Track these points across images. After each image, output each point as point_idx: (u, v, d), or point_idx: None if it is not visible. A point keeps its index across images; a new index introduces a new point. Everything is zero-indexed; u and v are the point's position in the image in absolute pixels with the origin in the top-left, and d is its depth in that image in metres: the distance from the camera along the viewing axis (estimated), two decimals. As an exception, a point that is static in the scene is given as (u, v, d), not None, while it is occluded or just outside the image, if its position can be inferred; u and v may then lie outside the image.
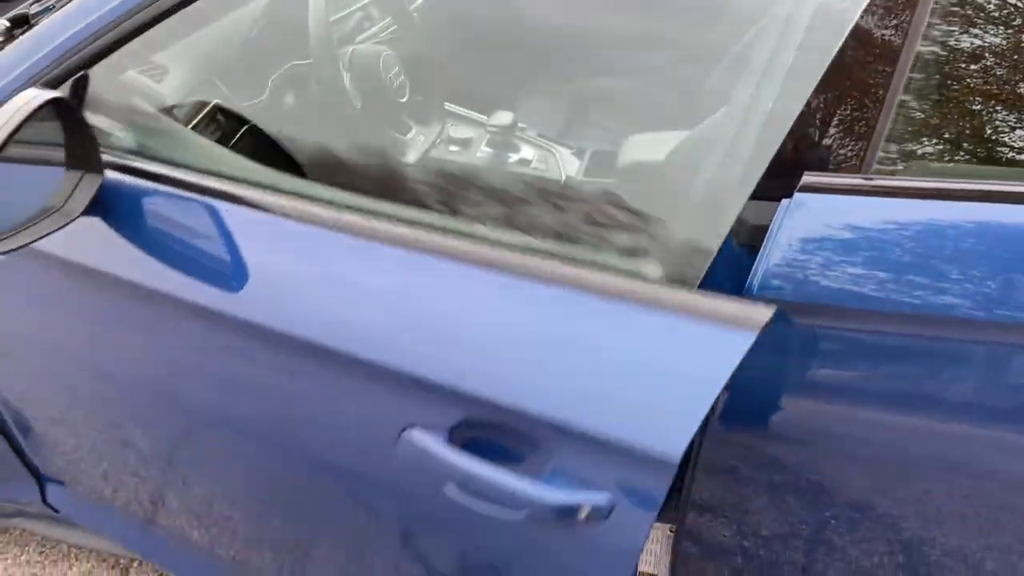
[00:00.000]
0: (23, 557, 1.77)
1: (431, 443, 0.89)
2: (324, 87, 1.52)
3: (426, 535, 1.03)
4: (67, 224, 1.02)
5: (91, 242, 1.07)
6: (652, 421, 0.79)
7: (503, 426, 0.86)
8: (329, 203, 1.00)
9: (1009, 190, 0.86)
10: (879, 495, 0.93)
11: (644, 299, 0.83)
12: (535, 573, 0.93)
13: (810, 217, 0.90)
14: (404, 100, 1.68)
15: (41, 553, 1.78)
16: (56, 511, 1.55)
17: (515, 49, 1.58)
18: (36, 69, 1.10)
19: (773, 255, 0.89)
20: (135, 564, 1.76)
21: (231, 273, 1.00)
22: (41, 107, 0.96)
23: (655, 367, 0.81)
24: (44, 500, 1.53)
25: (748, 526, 1.01)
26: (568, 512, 0.83)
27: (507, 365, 0.85)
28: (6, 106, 0.95)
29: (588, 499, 0.82)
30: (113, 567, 1.75)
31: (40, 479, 1.51)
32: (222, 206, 1.02)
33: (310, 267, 0.97)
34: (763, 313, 0.79)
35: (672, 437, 0.77)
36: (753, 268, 0.88)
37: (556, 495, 0.83)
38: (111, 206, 1.05)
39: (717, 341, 0.79)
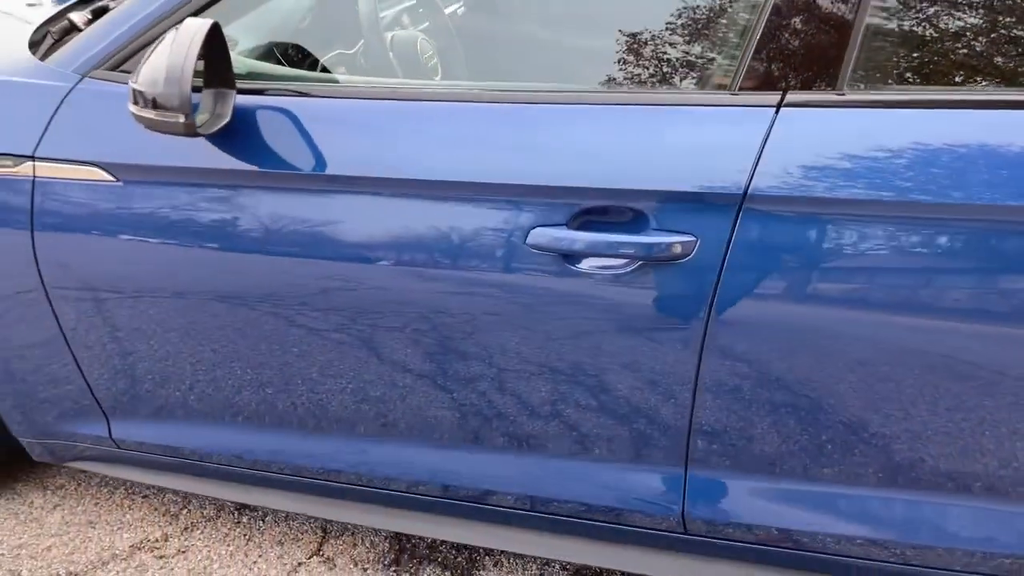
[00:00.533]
0: (79, 507, 1.89)
1: (555, 233, 1.21)
2: (372, 64, 1.73)
3: (553, 320, 1.30)
4: (221, 128, 1.27)
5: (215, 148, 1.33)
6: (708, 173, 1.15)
7: (606, 207, 1.20)
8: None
9: (951, 99, 1.13)
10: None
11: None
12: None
13: (795, 126, 1.13)
14: (437, 79, 1.89)
15: (96, 504, 1.90)
16: (119, 447, 1.68)
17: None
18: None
19: (769, 157, 1.11)
20: (184, 511, 1.88)
21: (358, 151, 1.32)
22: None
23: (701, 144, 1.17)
24: (110, 436, 1.67)
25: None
26: (665, 249, 1.18)
27: (603, 163, 1.20)
28: (178, 34, 1.17)
29: (677, 239, 1.18)
30: (164, 514, 1.87)
31: (107, 416, 1.65)
32: (321, 102, 1.36)
33: (431, 131, 1.29)
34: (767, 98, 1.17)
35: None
36: (751, 169, 1.10)
37: (656, 238, 1.17)
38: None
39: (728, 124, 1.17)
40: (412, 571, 1.73)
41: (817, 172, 1.13)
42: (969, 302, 1.14)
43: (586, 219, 1.22)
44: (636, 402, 1.33)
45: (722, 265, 1.19)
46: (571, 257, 1.23)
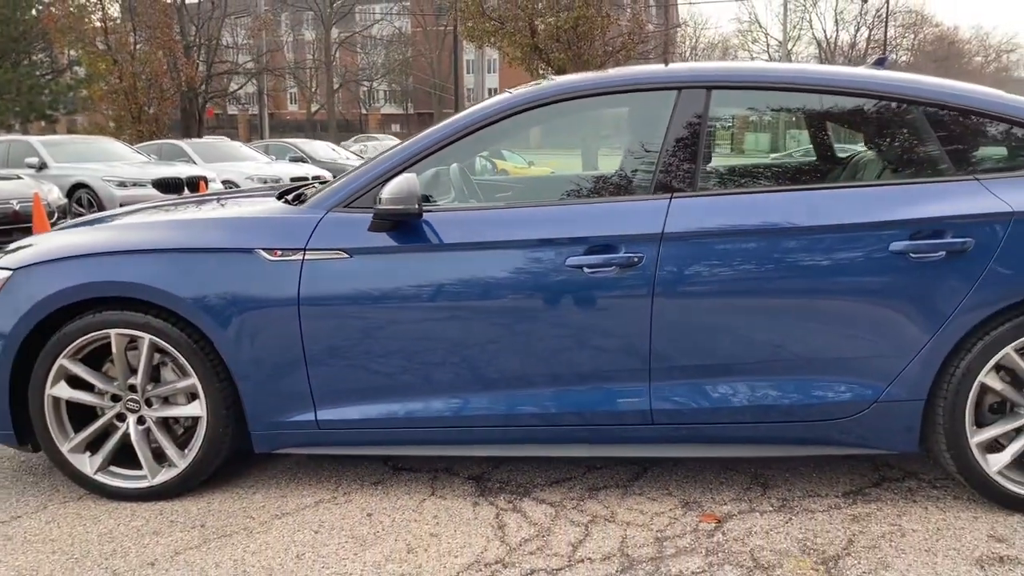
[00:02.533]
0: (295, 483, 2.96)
1: (579, 259, 2.58)
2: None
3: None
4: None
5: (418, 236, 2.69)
6: (645, 226, 2.48)
7: (600, 245, 2.51)
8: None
9: (737, 191, 2.68)
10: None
11: None
12: None
13: (678, 204, 2.65)
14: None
15: (316, 483, 2.97)
16: (319, 428, 2.83)
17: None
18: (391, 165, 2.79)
19: (669, 218, 2.61)
20: (338, 477, 2.97)
21: (477, 231, 2.66)
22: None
23: (642, 214, 2.52)
24: (316, 421, 2.83)
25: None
26: (628, 260, 2.44)
27: (596, 227, 2.54)
28: (402, 177, 2.62)
29: (635, 255, 2.50)
30: (323, 480, 2.96)
31: (315, 407, 2.83)
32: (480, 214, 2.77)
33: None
34: None
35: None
36: (663, 223, 2.60)
37: (624, 255, 2.46)
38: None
39: (653, 206, 2.53)
40: (493, 499, 2.88)
41: (688, 221, 2.64)
42: (770, 279, 2.62)
43: (592, 250, 2.66)
44: (619, 342, 2.68)
45: (656, 267, 2.63)
46: (586, 267, 2.65)
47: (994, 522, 2.65)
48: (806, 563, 2.44)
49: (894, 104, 2.85)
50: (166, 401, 2.91)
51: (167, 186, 11.96)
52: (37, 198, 10.03)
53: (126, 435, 2.90)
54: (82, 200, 11.64)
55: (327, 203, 2.85)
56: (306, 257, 2.76)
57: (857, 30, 56.59)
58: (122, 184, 11.67)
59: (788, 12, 52.19)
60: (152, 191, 11.79)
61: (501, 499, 2.88)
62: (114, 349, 2.82)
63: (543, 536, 2.62)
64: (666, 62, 3.61)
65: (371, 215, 2.73)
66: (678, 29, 34.94)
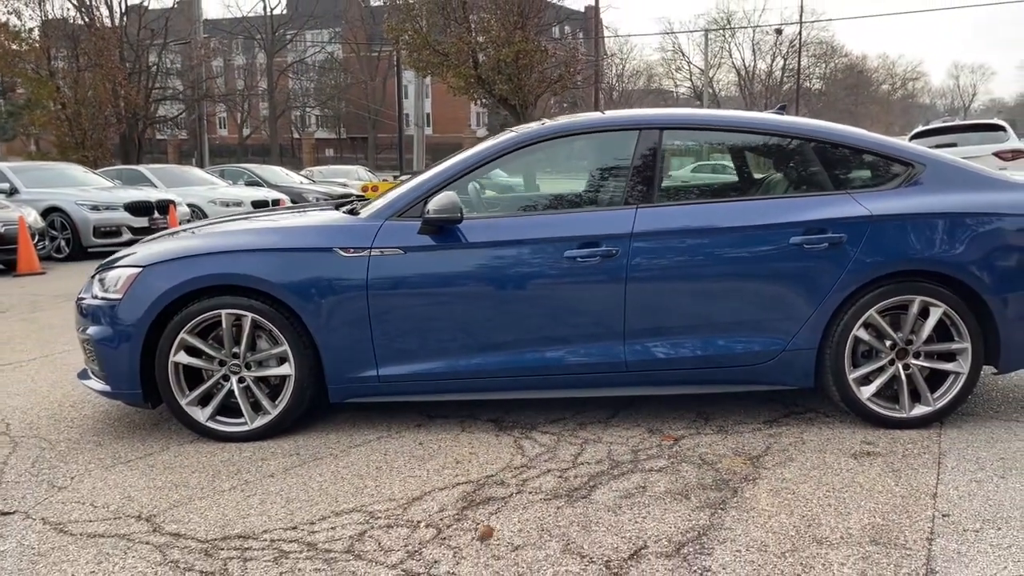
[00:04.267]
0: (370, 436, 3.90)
1: (573, 251, 3.62)
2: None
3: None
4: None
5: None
6: (619, 227, 3.57)
7: (589, 241, 3.59)
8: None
9: (684, 202, 3.80)
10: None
11: None
12: None
13: (642, 212, 3.73)
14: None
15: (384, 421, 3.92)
16: (379, 382, 3.79)
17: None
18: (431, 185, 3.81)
19: (636, 220, 3.69)
20: (383, 419, 3.93)
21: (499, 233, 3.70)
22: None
23: (617, 219, 3.61)
24: (377, 376, 3.79)
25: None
26: (608, 253, 3.51)
27: (584, 229, 3.61)
28: (445, 193, 3.64)
29: (613, 249, 3.58)
30: (367, 423, 3.92)
31: (377, 365, 3.79)
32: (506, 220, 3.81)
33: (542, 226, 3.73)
34: None
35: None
36: (632, 225, 3.69)
37: (605, 249, 3.53)
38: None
39: (624, 213, 3.61)
40: (509, 431, 3.88)
41: (649, 224, 3.72)
42: (708, 264, 3.71)
43: (582, 245, 3.71)
44: (602, 311, 3.73)
45: (627, 257, 3.70)
46: (578, 258, 3.70)
47: (866, 433, 3.78)
48: (737, 460, 3.51)
49: (791, 141, 4.01)
50: (260, 364, 3.83)
51: (138, 209, 12.61)
52: (22, 221, 10.66)
53: (230, 392, 3.81)
54: (55, 223, 12.19)
55: (384, 214, 3.84)
56: (372, 254, 3.74)
57: (773, 59, 59.76)
58: (95, 208, 12.27)
59: (709, 42, 54.96)
60: (124, 214, 12.44)
61: (516, 431, 3.88)
62: (224, 325, 3.74)
63: (551, 451, 3.64)
64: (600, 109, 4.74)
65: (420, 222, 3.73)
66: (607, 60, 36.69)
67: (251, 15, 42.34)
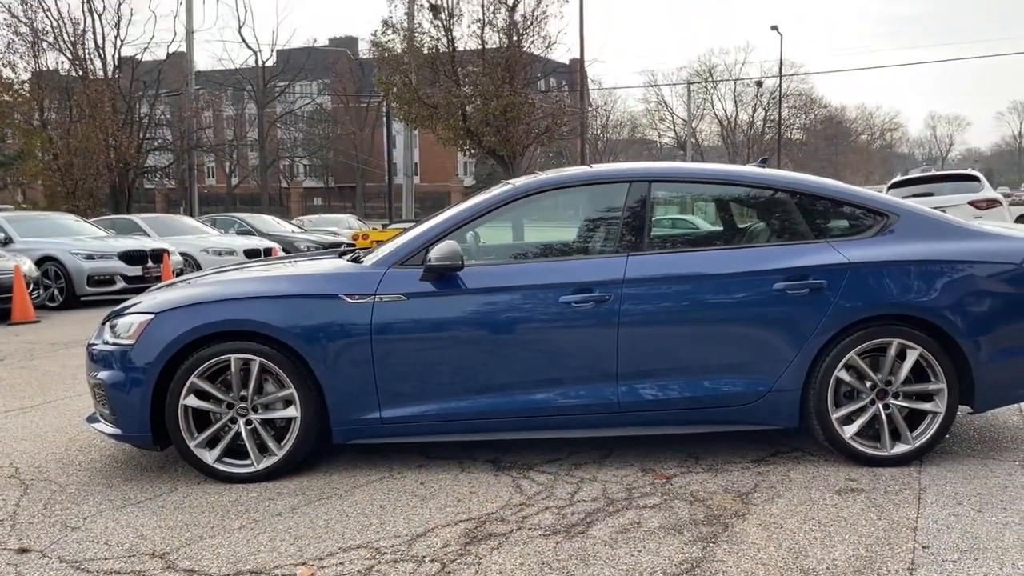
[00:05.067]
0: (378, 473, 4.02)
1: (567, 297, 3.83)
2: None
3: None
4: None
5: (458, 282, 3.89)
6: (612, 274, 3.77)
7: (583, 287, 3.78)
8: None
9: (668, 249, 4.02)
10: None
11: None
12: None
13: (632, 259, 3.93)
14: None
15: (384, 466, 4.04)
16: (383, 424, 3.93)
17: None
18: (433, 234, 4.00)
19: (628, 268, 3.89)
20: (385, 460, 4.06)
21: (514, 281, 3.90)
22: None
23: (610, 267, 3.82)
24: (380, 418, 3.94)
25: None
26: (602, 298, 3.71)
27: (579, 276, 3.81)
28: (446, 242, 3.83)
29: (606, 295, 3.81)
30: (368, 463, 4.04)
31: (380, 407, 3.93)
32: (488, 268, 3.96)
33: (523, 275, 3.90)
34: None
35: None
36: (623, 272, 3.89)
37: (598, 295, 3.73)
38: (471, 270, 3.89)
39: (616, 261, 3.82)
40: (507, 471, 4.02)
41: (641, 270, 3.92)
42: (697, 309, 3.90)
43: (576, 290, 3.90)
44: (596, 353, 3.91)
45: (620, 302, 3.89)
46: (573, 303, 3.88)
47: (849, 470, 3.94)
48: (727, 497, 3.66)
49: (772, 192, 4.24)
50: (267, 407, 3.96)
51: (132, 258, 12.75)
52: (18, 270, 10.78)
53: (237, 434, 3.94)
54: (49, 272, 12.30)
55: (388, 262, 4.02)
56: (376, 300, 3.91)
57: (754, 110, 61.06)
58: (90, 257, 12.40)
59: (691, 94, 56.18)
60: (119, 263, 12.57)
61: (513, 471, 4.02)
62: (232, 369, 3.89)
63: (549, 490, 3.78)
64: (586, 159, 4.99)
65: (422, 269, 3.91)
66: (592, 111, 37.46)
67: (243, 67, 43.05)
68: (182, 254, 14.44)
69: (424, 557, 3.11)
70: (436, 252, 3.87)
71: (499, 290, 3.95)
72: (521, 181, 4.31)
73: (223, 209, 34.80)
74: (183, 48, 29.67)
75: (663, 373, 3.96)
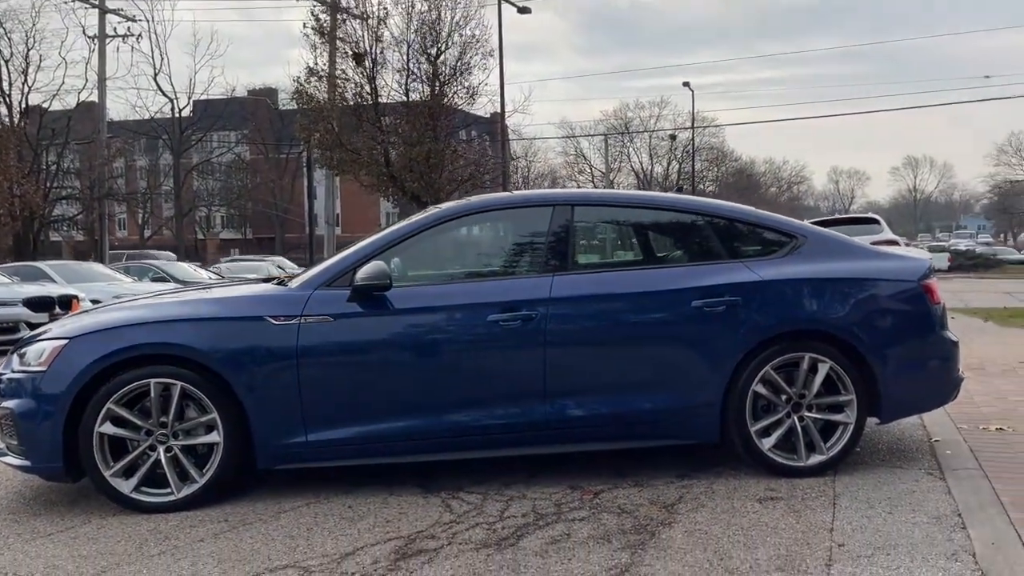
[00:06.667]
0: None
1: (495, 316, 3.86)
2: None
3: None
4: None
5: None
6: (537, 292, 3.85)
7: (510, 305, 3.83)
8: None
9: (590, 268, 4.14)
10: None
11: None
12: None
13: (558, 279, 4.02)
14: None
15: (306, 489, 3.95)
16: (308, 447, 3.87)
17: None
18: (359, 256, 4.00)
19: (552, 287, 3.98)
20: (309, 485, 3.99)
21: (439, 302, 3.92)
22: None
23: (537, 286, 3.90)
24: (306, 439, 3.88)
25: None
26: (529, 316, 3.78)
27: (505, 296, 3.87)
28: (374, 263, 3.84)
29: (532, 313, 3.92)
30: (292, 488, 3.97)
31: (305, 429, 3.88)
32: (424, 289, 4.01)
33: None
34: None
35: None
36: (549, 291, 3.98)
37: (526, 313, 3.80)
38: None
39: (543, 280, 3.91)
40: (437, 493, 4.00)
41: (565, 290, 4.01)
42: (619, 326, 4.01)
43: (504, 309, 3.95)
44: (524, 372, 3.96)
45: (546, 319, 3.97)
46: (500, 321, 3.93)
47: (769, 481, 4.07)
48: (653, 508, 3.73)
49: (690, 216, 4.42)
50: (188, 433, 3.86)
51: (38, 304, 12.22)
52: (-85, 316, 10.21)
53: (156, 462, 3.82)
54: (-52, 320, 11.67)
55: (314, 283, 4.01)
56: (302, 321, 3.88)
57: (669, 163, 63.07)
58: (-8, 303, 11.83)
59: (609, 147, 57.77)
60: (23, 310, 12.02)
61: (443, 493, 4.01)
62: (152, 395, 3.78)
63: (478, 508, 3.78)
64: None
65: (349, 290, 3.92)
66: (513, 162, 38.14)
67: (158, 116, 42.25)
68: (92, 301, 13.90)
69: (354, 574, 3.06)
70: (363, 272, 3.88)
71: (427, 310, 3.98)
72: (449, 204, 4.38)
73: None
74: (95, 96, 28.95)
75: (590, 390, 4.03)
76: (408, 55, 19.80)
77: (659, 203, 4.53)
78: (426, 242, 4.25)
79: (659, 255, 4.75)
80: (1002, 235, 73.02)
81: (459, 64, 20.03)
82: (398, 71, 19.91)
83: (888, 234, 14.02)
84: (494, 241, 4.68)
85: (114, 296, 14.55)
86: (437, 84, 19.95)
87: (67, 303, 12.64)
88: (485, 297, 4.00)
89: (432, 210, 4.36)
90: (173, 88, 43.26)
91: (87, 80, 30.15)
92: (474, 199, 4.46)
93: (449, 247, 4.57)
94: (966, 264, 33.85)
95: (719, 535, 3.37)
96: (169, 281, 17.42)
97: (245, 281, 4.91)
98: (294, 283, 4.11)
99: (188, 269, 19.49)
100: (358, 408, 3.91)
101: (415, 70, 19.86)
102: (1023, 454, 4.38)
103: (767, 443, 4.11)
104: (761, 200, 74.80)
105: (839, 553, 3.15)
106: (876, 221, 14.48)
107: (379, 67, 19.56)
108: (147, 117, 42.22)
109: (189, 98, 43.10)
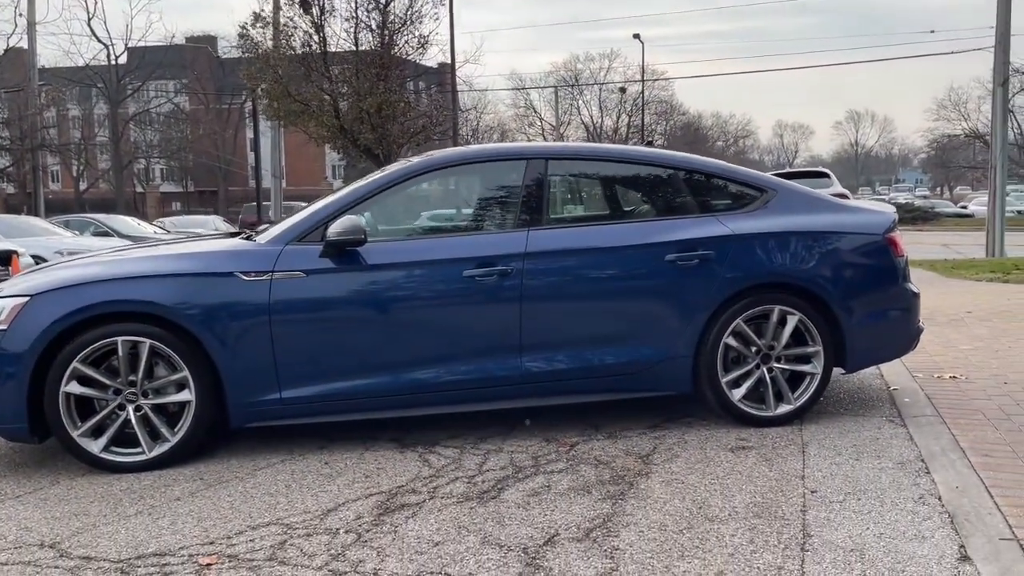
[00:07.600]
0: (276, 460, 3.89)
1: (471, 271, 3.83)
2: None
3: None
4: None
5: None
6: (515, 247, 3.82)
7: (485, 261, 3.80)
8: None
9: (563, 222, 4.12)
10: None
11: None
12: None
13: (532, 233, 4.01)
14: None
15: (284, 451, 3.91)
16: (283, 404, 3.83)
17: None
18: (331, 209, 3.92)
19: (528, 241, 3.96)
20: (283, 442, 3.96)
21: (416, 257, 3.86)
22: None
23: (511, 240, 3.87)
24: (280, 398, 3.83)
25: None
26: (505, 272, 3.76)
27: (480, 251, 3.83)
28: (346, 216, 3.76)
29: (507, 268, 3.87)
30: (267, 446, 3.94)
31: (280, 387, 3.82)
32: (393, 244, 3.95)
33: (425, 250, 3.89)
34: None
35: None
36: (525, 246, 3.96)
37: (502, 268, 3.78)
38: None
39: (517, 235, 3.88)
40: (413, 447, 4.00)
41: (540, 244, 3.99)
42: (594, 280, 4.01)
43: (480, 264, 3.92)
44: (500, 326, 3.95)
45: (522, 275, 3.95)
46: (477, 276, 3.91)
47: (739, 431, 4.16)
48: (629, 459, 3.79)
49: (664, 170, 4.43)
50: (158, 392, 3.77)
51: (-23, 259, 11.76)
52: None
53: (125, 421, 3.73)
54: None
55: (286, 238, 3.92)
56: (274, 277, 3.80)
57: (619, 117, 62.98)
58: (-72, 259, 11.35)
59: (559, 100, 57.43)
60: (-39, 265, 11.56)
61: (419, 448, 4.01)
62: (120, 353, 3.68)
63: (456, 463, 3.79)
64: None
65: (322, 245, 3.84)
66: (463, 114, 37.67)
67: (92, 63, 40.42)
68: (33, 256, 13.43)
69: (338, 529, 3.05)
70: (336, 227, 3.80)
71: (402, 265, 3.93)
72: (420, 158, 4.31)
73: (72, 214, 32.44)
74: (24, 42, 27.59)
75: (566, 344, 4.05)
76: (357, 2, 19.25)
77: (633, 157, 4.53)
78: (399, 196, 4.18)
79: (632, 209, 4.76)
80: (939, 188, 75.00)
81: (409, 12, 19.56)
82: (347, 19, 19.36)
83: (838, 187, 14.31)
84: (468, 195, 4.63)
85: (55, 251, 14.13)
86: (387, 33, 19.47)
87: (7, 259, 12.18)
88: (461, 252, 3.96)
89: (403, 164, 4.28)
90: (108, 34, 41.58)
91: (16, 25, 28.77)
92: (448, 151, 4.38)
93: (422, 201, 4.51)
94: (905, 217, 34.68)
95: (696, 484, 3.45)
96: (112, 236, 16.89)
97: (205, 237, 4.75)
98: (263, 238, 4.01)
99: (132, 223, 18.91)
100: (333, 365, 3.86)
101: (364, 18, 19.35)
102: (977, 400, 4.55)
103: (737, 394, 4.20)
104: (708, 153, 75.35)
105: (812, 499, 3.25)
106: (827, 175, 14.75)
107: (327, 15, 18.98)
108: (81, 64, 40.42)
109: (125, 45, 41.34)
